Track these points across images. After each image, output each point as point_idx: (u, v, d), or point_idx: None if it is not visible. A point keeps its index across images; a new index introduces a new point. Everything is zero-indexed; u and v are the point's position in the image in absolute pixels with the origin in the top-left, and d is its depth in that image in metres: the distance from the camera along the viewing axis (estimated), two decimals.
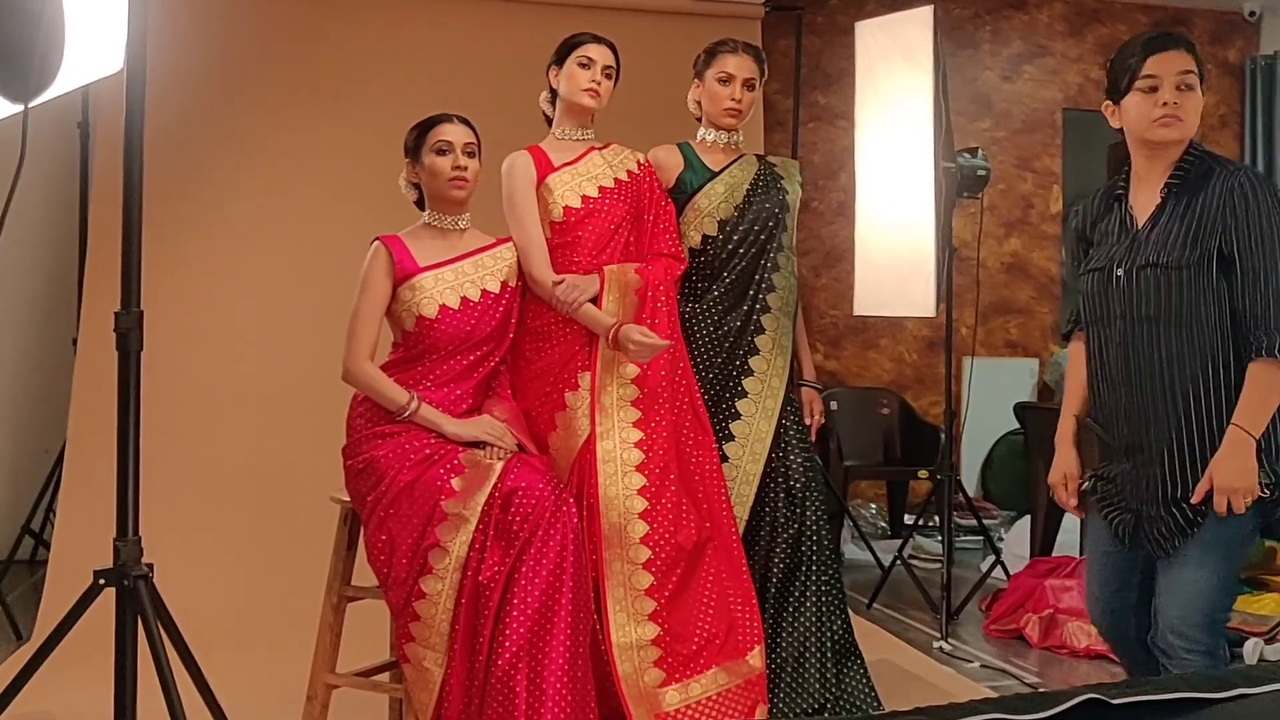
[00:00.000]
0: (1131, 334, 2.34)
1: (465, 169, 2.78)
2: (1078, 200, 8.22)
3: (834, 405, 6.07)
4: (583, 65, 2.97)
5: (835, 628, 2.97)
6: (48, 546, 4.50)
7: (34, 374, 5.31)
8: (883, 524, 6.22)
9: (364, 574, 2.79)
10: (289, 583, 3.45)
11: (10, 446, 5.33)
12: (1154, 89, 2.32)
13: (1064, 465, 2.54)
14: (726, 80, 3.09)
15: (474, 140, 2.81)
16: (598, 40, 3.01)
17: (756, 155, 3.24)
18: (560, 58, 3.02)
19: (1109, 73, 2.44)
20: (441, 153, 2.77)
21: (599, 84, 2.97)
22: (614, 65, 3.02)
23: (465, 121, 2.83)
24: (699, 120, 3.21)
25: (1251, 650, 3.93)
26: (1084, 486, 2.51)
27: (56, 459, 4.75)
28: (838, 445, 5.74)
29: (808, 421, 3.20)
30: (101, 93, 4.47)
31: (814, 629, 2.92)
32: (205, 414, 4.25)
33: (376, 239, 2.80)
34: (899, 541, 5.10)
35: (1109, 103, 2.44)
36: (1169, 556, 2.33)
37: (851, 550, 5.72)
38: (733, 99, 3.09)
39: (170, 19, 4.07)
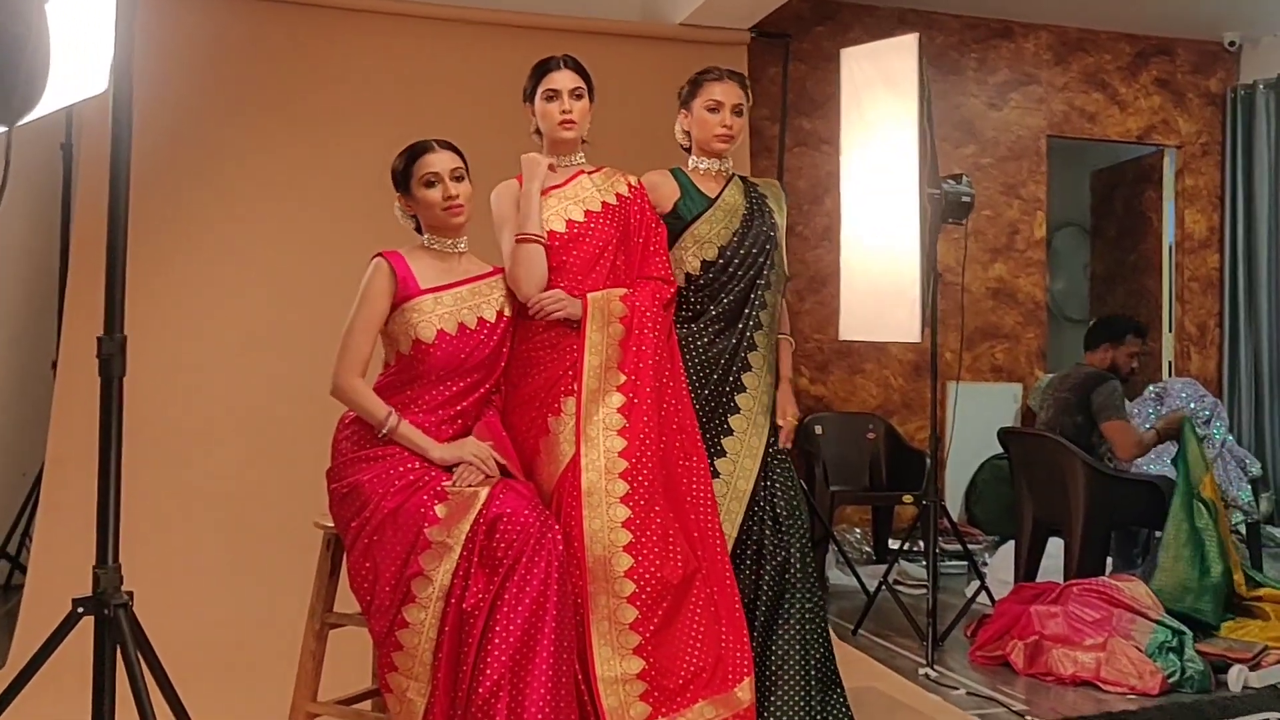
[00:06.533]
0: None
1: (457, 196, 2.77)
2: (1062, 226, 8.30)
3: (819, 430, 6.07)
4: (549, 98, 2.95)
5: (818, 656, 2.94)
6: (24, 571, 4.45)
7: (11, 396, 5.25)
8: (868, 549, 6.21)
9: (347, 600, 2.76)
10: (271, 610, 3.41)
11: None
12: None
13: None
14: (715, 108, 3.09)
15: (460, 164, 2.80)
16: (558, 66, 2.98)
17: (740, 176, 3.23)
18: (530, 94, 3.00)
19: None
20: (430, 184, 2.76)
21: (571, 111, 2.94)
22: (582, 85, 2.98)
23: (448, 146, 2.80)
24: (686, 150, 3.20)
25: (1235, 677, 3.93)
26: None
27: (34, 482, 4.71)
28: (824, 470, 5.73)
29: (780, 423, 3.14)
30: (85, 113, 4.45)
31: (798, 657, 2.90)
32: (186, 437, 4.19)
33: (379, 254, 2.78)
34: (884, 567, 5.08)
35: None
36: None
37: (836, 575, 5.70)
38: (724, 125, 3.09)
39: (155, 40, 4.05)
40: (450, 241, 2.83)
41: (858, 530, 6.37)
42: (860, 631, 4.64)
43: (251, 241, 4.48)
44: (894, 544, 5.83)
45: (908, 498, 5.72)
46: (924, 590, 4.42)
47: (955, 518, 6.58)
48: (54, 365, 4.70)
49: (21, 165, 5.13)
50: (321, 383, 2.76)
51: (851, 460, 6.06)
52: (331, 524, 2.78)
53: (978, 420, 6.30)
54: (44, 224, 5.22)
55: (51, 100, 3.16)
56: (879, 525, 6.12)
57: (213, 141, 4.51)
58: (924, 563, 4.71)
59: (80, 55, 2.95)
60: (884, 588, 4.66)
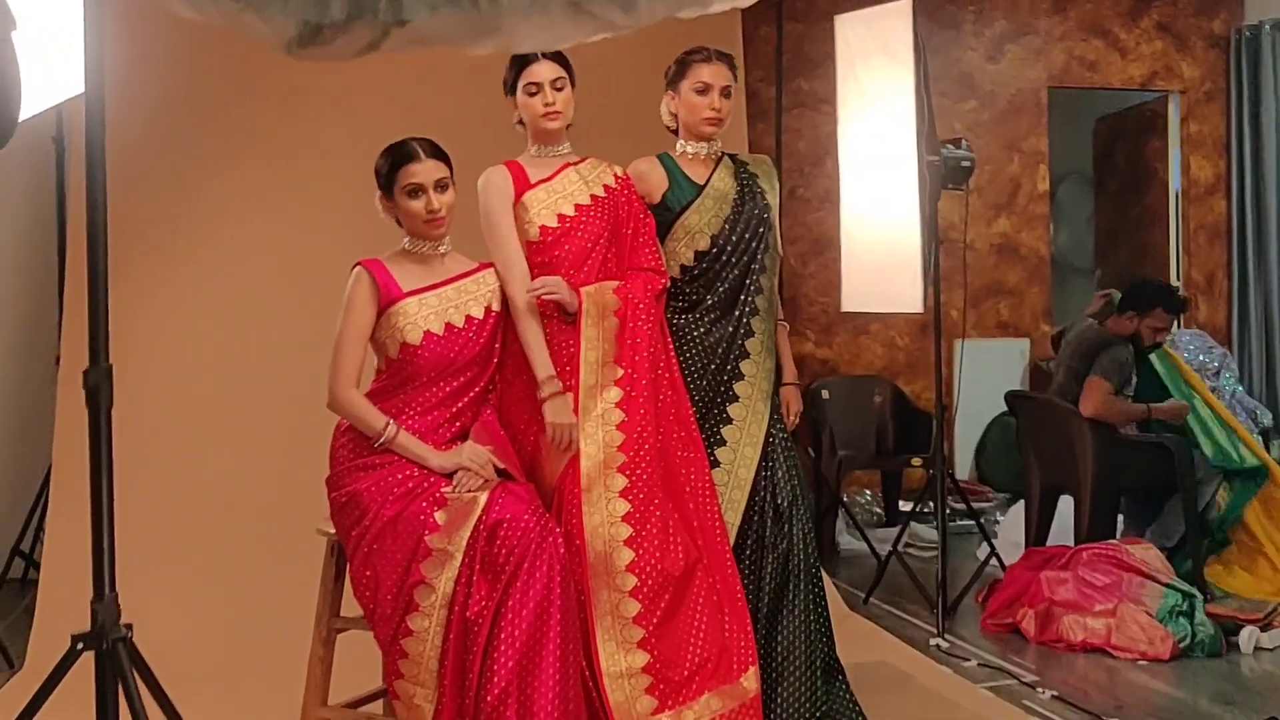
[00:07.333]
0: None
1: (439, 210, 2.73)
2: (1066, 176, 8.19)
3: (826, 395, 6.05)
4: (531, 93, 2.89)
5: (822, 646, 2.95)
6: (39, 567, 4.47)
7: (18, 394, 5.24)
8: (878, 510, 6.20)
9: (353, 604, 2.76)
10: (277, 617, 3.41)
11: None
12: None
13: None
14: (704, 90, 3.03)
15: (445, 172, 2.75)
16: (537, 58, 2.89)
17: (730, 155, 3.18)
18: (511, 86, 2.94)
19: None
20: (413, 194, 2.72)
21: (554, 102, 2.88)
22: (563, 74, 2.92)
23: (433, 151, 2.75)
24: (673, 131, 3.14)
25: (1247, 639, 3.93)
26: None
27: (44, 479, 4.72)
28: (830, 438, 5.71)
29: (788, 423, 3.16)
30: (76, 108, 4.39)
31: (803, 648, 2.90)
32: (185, 445, 4.13)
33: (358, 264, 2.76)
34: (895, 530, 5.07)
35: None
36: None
37: (847, 541, 5.70)
38: (712, 108, 3.03)
39: (136, 42, 3.95)
40: (432, 245, 2.79)
41: (868, 492, 6.36)
42: (871, 600, 4.64)
43: (243, 247, 4.36)
44: (905, 505, 5.82)
45: (916, 461, 5.71)
46: (936, 552, 4.40)
47: (966, 476, 6.58)
48: (58, 360, 4.68)
49: (16, 158, 5.13)
50: (320, 387, 2.74)
51: (859, 424, 6.03)
52: (333, 530, 2.78)
53: (986, 377, 6.27)
54: (42, 216, 5.20)
55: (36, 101, 3.14)
56: (888, 488, 6.11)
57: (198, 141, 4.39)
58: (935, 523, 4.68)
59: (63, 55, 2.92)
60: (894, 556, 4.65)
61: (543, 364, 2.78)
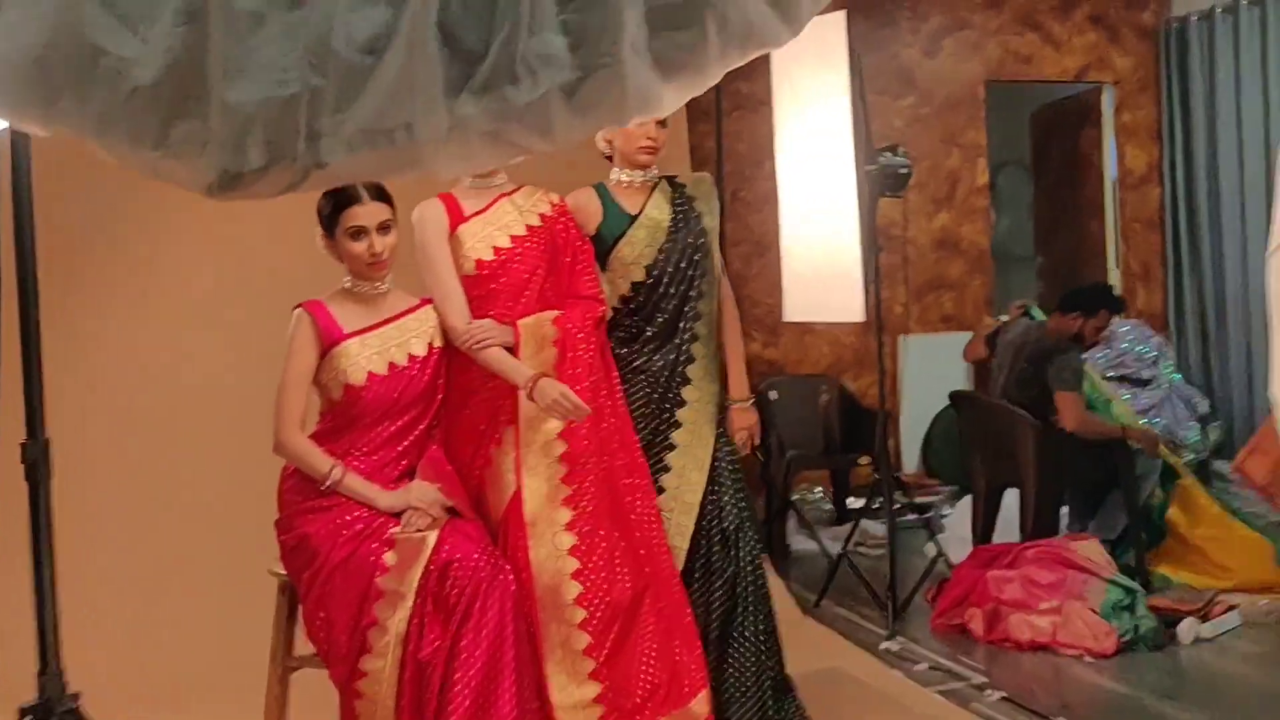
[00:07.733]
0: None
1: (382, 252, 2.72)
2: (1003, 165, 8.29)
3: (773, 395, 6.09)
4: None
5: (772, 665, 3.00)
6: None
7: None
8: (829, 506, 6.26)
9: (307, 642, 2.76)
10: (231, 658, 3.38)
11: None
12: None
13: None
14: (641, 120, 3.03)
15: (389, 214, 2.74)
16: None
17: (667, 179, 3.19)
18: None
19: None
20: (356, 237, 2.71)
21: None
22: None
23: (377, 194, 2.73)
24: (608, 158, 3.16)
25: (1187, 630, 4.02)
26: None
27: None
28: (778, 439, 5.75)
29: (739, 441, 3.18)
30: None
31: (753, 672, 2.94)
32: (131, 484, 4.05)
33: (299, 306, 2.76)
34: (846, 527, 5.12)
35: None
36: None
37: (799, 541, 5.75)
38: (649, 137, 3.05)
39: None
40: (373, 284, 2.79)
41: (819, 488, 6.42)
42: (823, 602, 4.68)
43: (188, 285, 4.23)
44: (854, 502, 5.88)
45: (864, 460, 5.77)
46: (884, 550, 4.46)
47: (913, 469, 6.67)
48: None
49: None
50: (268, 429, 2.73)
51: (806, 423, 6.07)
52: (285, 572, 2.78)
53: (931, 370, 6.36)
54: None
55: None
56: (838, 486, 6.17)
57: (134, 181, 4.32)
58: (884, 520, 4.74)
59: None
60: (844, 559, 4.70)
61: (517, 373, 2.78)
